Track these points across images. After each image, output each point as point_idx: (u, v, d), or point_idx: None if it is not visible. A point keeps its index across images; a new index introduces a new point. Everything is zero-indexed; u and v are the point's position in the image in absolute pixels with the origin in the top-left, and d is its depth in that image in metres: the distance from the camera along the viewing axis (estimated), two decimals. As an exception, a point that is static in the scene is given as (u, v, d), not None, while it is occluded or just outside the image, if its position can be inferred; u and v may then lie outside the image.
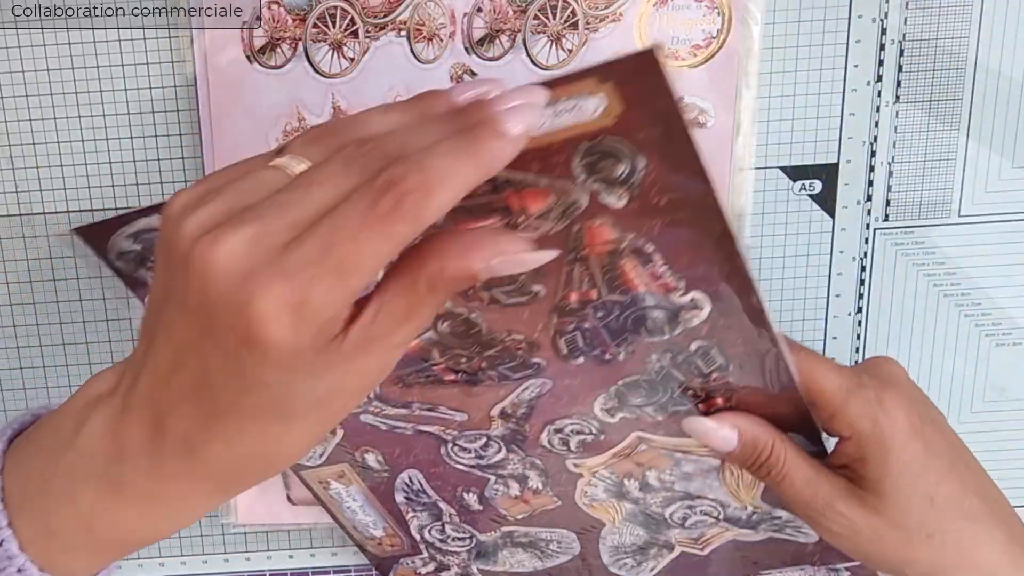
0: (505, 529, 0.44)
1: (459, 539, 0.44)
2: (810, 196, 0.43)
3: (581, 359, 0.37)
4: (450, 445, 0.41)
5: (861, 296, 0.44)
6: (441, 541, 0.44)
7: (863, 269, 0.44)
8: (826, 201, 0.43)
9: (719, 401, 0.38)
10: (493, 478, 0.42)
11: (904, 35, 0.41)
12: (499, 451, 0.41)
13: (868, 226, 0.43)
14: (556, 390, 0.38)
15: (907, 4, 0.40)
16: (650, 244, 0.33)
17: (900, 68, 0.41)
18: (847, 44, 0.41)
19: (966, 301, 0.44)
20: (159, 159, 0.41)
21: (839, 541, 0.37)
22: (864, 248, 0.43)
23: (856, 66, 0.41)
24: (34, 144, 0.42)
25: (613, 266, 0.34)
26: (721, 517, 0.42)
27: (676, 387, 0.37)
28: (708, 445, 0.37)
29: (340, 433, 0.41)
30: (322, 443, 0.41)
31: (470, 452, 0.41)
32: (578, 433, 0.40)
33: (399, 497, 0.43)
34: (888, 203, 0.43)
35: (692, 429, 0.38)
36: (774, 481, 0.37)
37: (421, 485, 0.43)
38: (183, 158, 0.43)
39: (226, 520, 0.46)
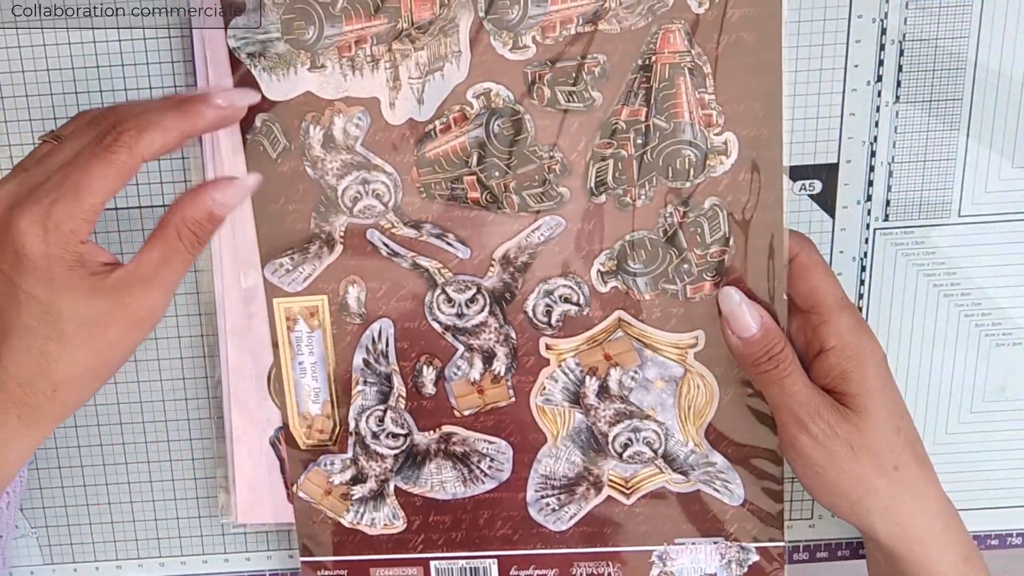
0: (446, 429, 0.43)
1: (394, 436, 0.43)
2: (810, 196, 0.43)
3: (603, 197, 0.40)
4: (438, 292, 0.41)
5: (861, 296, 0.44)
6: (374, 436, 0.43)
7: (863, 269, 0.44)
8: (826, 201, 0.43)
9: (707, 287, 0.40)
10: (462, 348, 0.42)
11: (904, 35, 0.41)
12: (482, 310, 0.41)
13: (868, 226, 0.43)
14: (565, 236, 0.40)
15: (907, 4, 0.40)
16: (709, 65, 0.38)
17: (900, 68, 0.41)
18: (847, 44, 0.41)
19: (966, 301, 0.44)
20: (159, 158, 0.41)
21: (816, 454, 0.38)
22: (864, 248, 0.43)
23: (856, 66, 0.41)
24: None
25: (671, 83, 0.38)
26: (660, 451, 0.43)
27: (676, 256, 0.40)
28: (733, 324, 0.39)
29: (338, 250, 0.41)
30: (310, 264, 0.41)
31: (454, 305, 0.42)
32: (565, 301, 0.41)
33: (358, 359, 0.43)
34: (888, 203, 0.43)
35: (725, 300, 0.39)
36: (779, 376, 0.38)
37: (387, 344, 0.42)
38: (183, 158, 0.43)
39: (226, 520, 0.46)
